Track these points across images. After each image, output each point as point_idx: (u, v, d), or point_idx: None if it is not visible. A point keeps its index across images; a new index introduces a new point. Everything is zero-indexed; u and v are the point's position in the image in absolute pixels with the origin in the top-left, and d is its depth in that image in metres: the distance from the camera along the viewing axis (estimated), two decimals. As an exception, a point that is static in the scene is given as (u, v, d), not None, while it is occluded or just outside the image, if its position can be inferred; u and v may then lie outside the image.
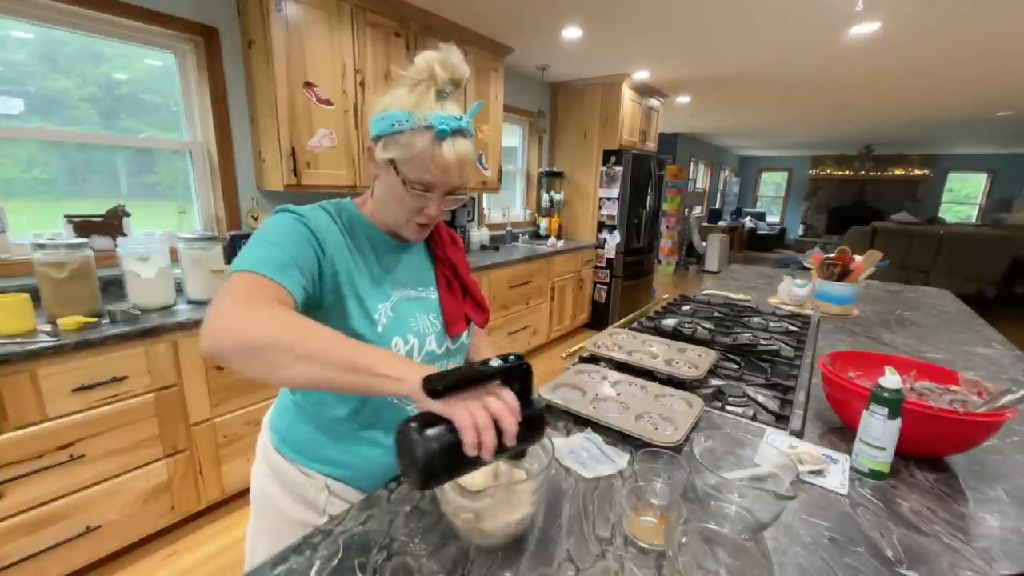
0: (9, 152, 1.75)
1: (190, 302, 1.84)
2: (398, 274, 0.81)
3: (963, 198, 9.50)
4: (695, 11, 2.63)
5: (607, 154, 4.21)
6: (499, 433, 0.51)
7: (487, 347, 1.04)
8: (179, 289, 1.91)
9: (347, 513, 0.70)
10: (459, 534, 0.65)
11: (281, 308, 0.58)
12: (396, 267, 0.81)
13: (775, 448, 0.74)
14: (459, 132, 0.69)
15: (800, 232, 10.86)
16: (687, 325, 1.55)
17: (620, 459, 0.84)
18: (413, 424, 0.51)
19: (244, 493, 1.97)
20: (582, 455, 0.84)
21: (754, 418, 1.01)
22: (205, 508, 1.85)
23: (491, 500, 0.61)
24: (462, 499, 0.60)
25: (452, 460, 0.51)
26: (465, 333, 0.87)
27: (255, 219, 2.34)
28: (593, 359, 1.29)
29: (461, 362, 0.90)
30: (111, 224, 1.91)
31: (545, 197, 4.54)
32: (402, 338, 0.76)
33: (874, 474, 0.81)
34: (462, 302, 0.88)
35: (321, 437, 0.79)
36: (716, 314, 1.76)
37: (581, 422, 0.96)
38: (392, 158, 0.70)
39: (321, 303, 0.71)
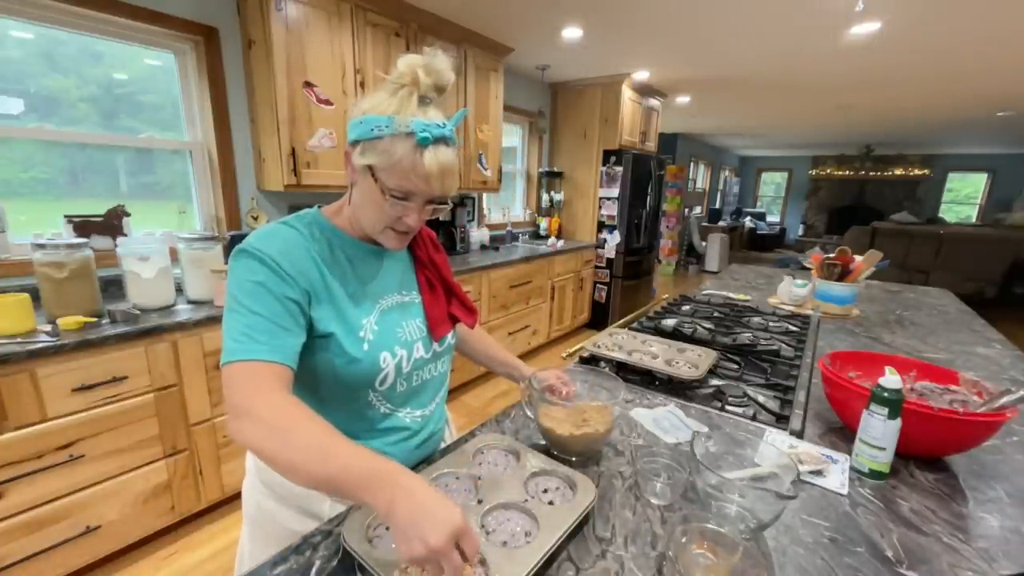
0: (9, 152, 1.75)
1: (190, 302, 1.84)
2: (380, 282, 0.79)
3: (963, 198, 9.49)
4: (695, 11, 2.63)
5: (607, 154, 4.20)
6: None
7: (498, 346, 1.06)
8: (179, 289, 1.91)
9: (347, 513, 0.70)
10: (545, 438, 0.87)
11: (281, 412, 0.58)
12: (377, 275, 0.79)
13: (775, 448, 0.74)
14: (442, 140, 0.66)
15: (800, 232, 10.85)
16: (687, 325, 1.55)
17: (698, 427, 0.97)
18: None
19: (244, 493, 1.97)
20: (664, 423, 0.99)
21: (754, 418, 1.01)
22: (205, 508, 1.85)
23: (573, 407, 0.86)
24: (552, 408, 0.86)
25: None
26: (450, 335, 0.86)
27: (255, 219, 2.33)
28: (593, 359, 1.29)
29: (448, 364, 0.90)
30: (111, 224, 1.91)
31: (545, 197, 4.54)
32: (390, 352, 0.75)
33: (874, 474, 0.81)
34: (446, 304, 0.87)
35: None
36: (716, 314, 1.76)
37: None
38: (370, 164, 0.67)
39: (308, 335, 0.69)
